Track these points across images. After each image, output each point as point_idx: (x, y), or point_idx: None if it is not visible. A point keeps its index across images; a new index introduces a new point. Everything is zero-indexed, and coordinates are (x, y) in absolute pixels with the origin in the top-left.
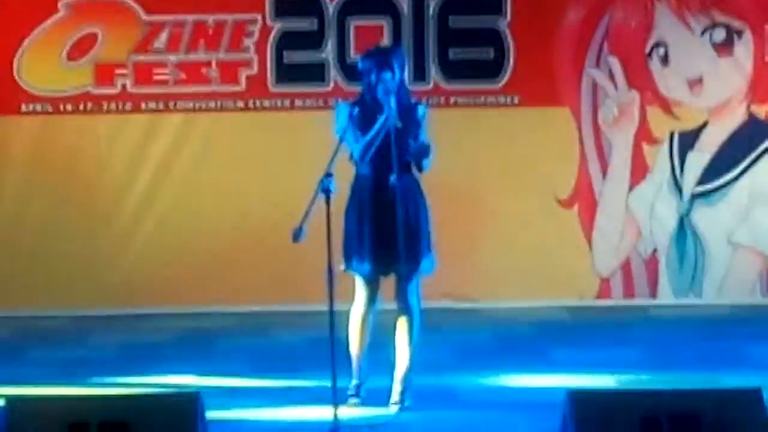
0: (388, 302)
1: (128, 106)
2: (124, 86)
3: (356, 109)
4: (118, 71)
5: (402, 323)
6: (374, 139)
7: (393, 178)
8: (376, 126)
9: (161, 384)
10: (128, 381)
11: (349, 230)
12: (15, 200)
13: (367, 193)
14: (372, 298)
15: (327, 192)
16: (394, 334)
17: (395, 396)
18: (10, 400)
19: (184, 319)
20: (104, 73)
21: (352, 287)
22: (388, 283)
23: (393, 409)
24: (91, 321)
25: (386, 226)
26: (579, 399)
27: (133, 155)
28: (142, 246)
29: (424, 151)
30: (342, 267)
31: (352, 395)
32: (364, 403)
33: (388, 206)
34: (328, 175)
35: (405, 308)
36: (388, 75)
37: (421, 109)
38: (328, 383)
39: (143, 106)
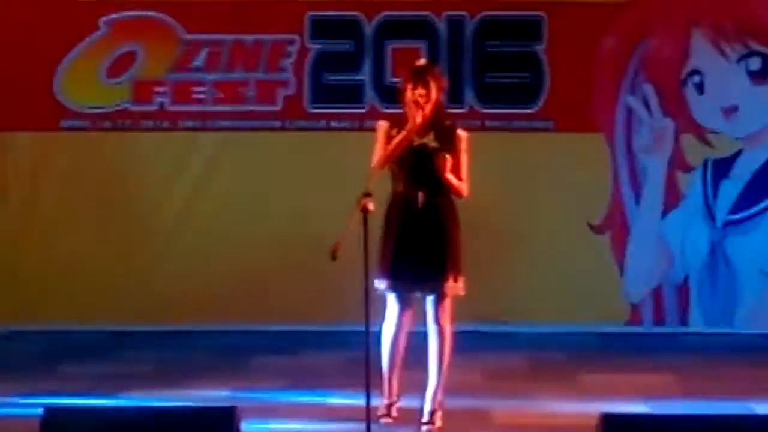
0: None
1: (166, 123)
2: (161, 104)
3: (394, 128)
4: (157, 89)
5: (432, 343)
6: (395, 150)
7: (421, 196)
8: (399, 136)
9: (197, 399)
10: (164, 396)
11: (381, 248)
12: (52, 215)
13: (398, 211)
14: (403, 317)
15: (365, 211)
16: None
17: (426, 416)
18: (48, 410)
19: (219, 337)
20: (142, 90)
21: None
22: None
23: (424, 429)
24: (127, 337)
25: (408, 243)
26: (612, 423)
27: (169, 173)
28: (178, 263)
29: (441, 163)
30: (377, 285)
31: (383, 415)
32: (395, 423)
33: (413, 224)
34: (367, 194)
35: (434, 328)
36: (419, 91)
37: (460, 133)
38: (361, 402)
39: (180, 124)
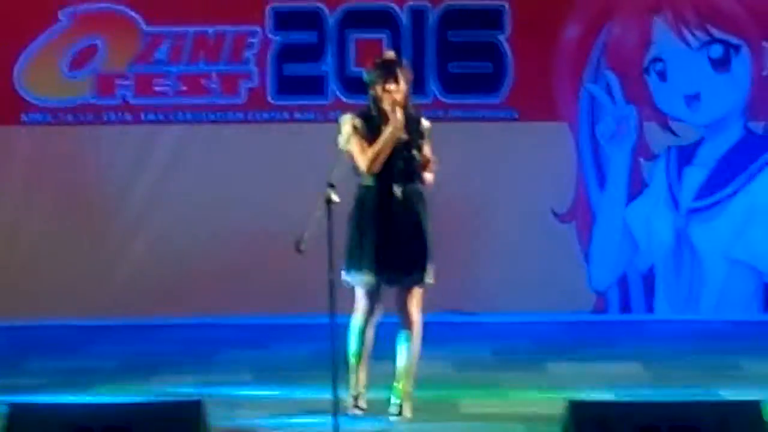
0: (390, 313)
1: (128, 116)
2: (124, 97)
3: (360, 121)
4: (119, 82)
5: (403, 335)
6: (383, 149)
7: (397, 189)
8: (384, 137)
9: (162, 394)
10: (129, 391)
11: (352, 240)
12: (15, 210)
13: (370, 203)
14: (372, 309)
15: (329, 202)
16: (395, 346)
17: (395, 407)
18: (13, 407)
19: (185, 330)
20: (105, 83)
21: (353, 298)
22: (389, 294)
23: (392, 420)
24: (92, 331)
25: (390, 236)
26: (579, 410)
27: (133, 166)
28: (142, 256)
29: (424, 163)
30: (343, 278)
31: (352, 406)
32: (363, 414)
33: (391, 217)
34: (330, 185)
35: (407, 319)
36: (393, 86)
37: (425, 123)
38: (328, 394)
39: (143, 116)
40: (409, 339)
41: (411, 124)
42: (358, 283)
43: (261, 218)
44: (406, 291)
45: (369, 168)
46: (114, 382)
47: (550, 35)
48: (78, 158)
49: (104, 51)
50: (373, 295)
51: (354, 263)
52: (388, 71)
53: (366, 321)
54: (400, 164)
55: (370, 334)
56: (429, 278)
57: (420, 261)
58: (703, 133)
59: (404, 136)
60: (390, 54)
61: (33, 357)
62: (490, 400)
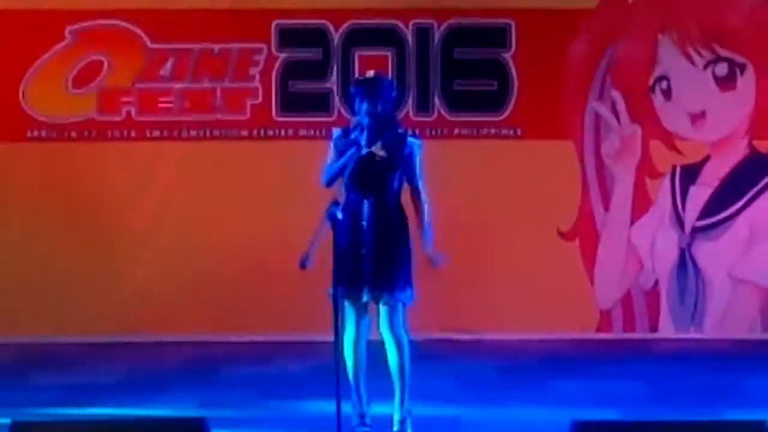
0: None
1: (133, 133)
2: (129, 113)
3: (339, 136)
4: (123, 99)
5: (389, 352)
6: (342, 167)
7: (366, 206)
8: (346, 155)
9: (166, 411)
10: (132, 408)
11: (335, 256)
12: (20, 226)
13: (348, 220)
14: (359, 324)
15: (333, 220)
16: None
17: (396, 425)
18: (14, 424)
19: (188, 347)
20: (109, 100)
21: None
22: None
23: None
24: (96, 348)
25: (362, 254)
26: (583, 429)
27: (137, 182)
28: (146, 273)
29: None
30: (329, 292)
31: (359, 424)
32: (369, 431)
33: (360, 234)
34: (335, 203)
35: (388, 337)
36: (365, 105)
37: (410, 142)
38: (331, 411)
39: (148, 133)
40: (394, 357)
41: (392, 141)
42: (341, 298)
43: (265, 234)
44: (386, 309)
45: (326, 182)
46: (118, 398)
47: (556, 53)
48: (83, 175)
49: (109, 68)
50: (356, 311)
51: (337, 278)
52: (364, 89)
53: (356, 336)
54: (372, 181)
55: (360, 350)
56: (400, 297)
57: (386, 280)
58: (709, 151)
59: (381, 153)
60: (369, 73)
61: (38, 373)
62: (493, 418)
